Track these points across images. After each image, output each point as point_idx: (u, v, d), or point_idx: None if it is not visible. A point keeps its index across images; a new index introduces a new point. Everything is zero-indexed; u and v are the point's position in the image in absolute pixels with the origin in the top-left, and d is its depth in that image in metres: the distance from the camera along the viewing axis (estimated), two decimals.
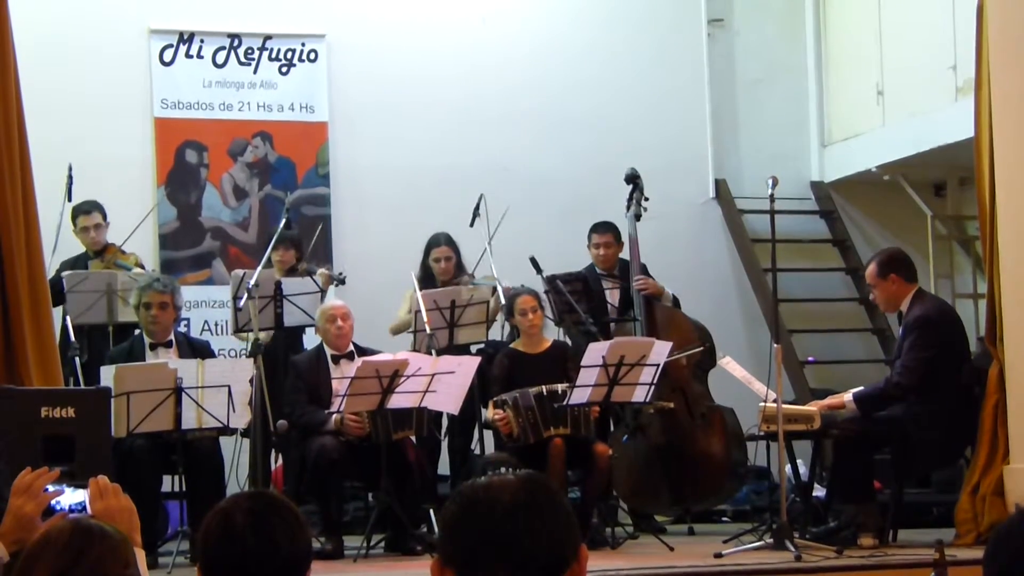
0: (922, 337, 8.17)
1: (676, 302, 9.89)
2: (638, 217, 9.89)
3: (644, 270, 9.82)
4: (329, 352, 8.79)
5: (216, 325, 10.98)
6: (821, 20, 12.58)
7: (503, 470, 2.22)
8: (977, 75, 8.50)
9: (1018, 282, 8.12)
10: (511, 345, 9.09)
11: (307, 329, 9.56)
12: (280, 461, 9.25)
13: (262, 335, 8.89)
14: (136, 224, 9.95)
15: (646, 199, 9.94)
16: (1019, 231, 8.11)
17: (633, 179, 9.98)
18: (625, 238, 9.91)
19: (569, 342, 9.37)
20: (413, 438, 8.57)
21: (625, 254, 9.94)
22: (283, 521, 2.75)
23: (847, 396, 8.32)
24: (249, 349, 8.79)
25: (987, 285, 8.55)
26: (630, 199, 9.95)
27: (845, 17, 12.39)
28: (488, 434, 8.99)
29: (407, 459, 8.36)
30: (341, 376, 8.44)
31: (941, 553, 5.60)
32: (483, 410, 8.84)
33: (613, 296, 9.89)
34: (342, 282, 9.65)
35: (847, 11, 12.39)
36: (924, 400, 8.15)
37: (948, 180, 12.39)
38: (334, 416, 8.35)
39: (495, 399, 8.63)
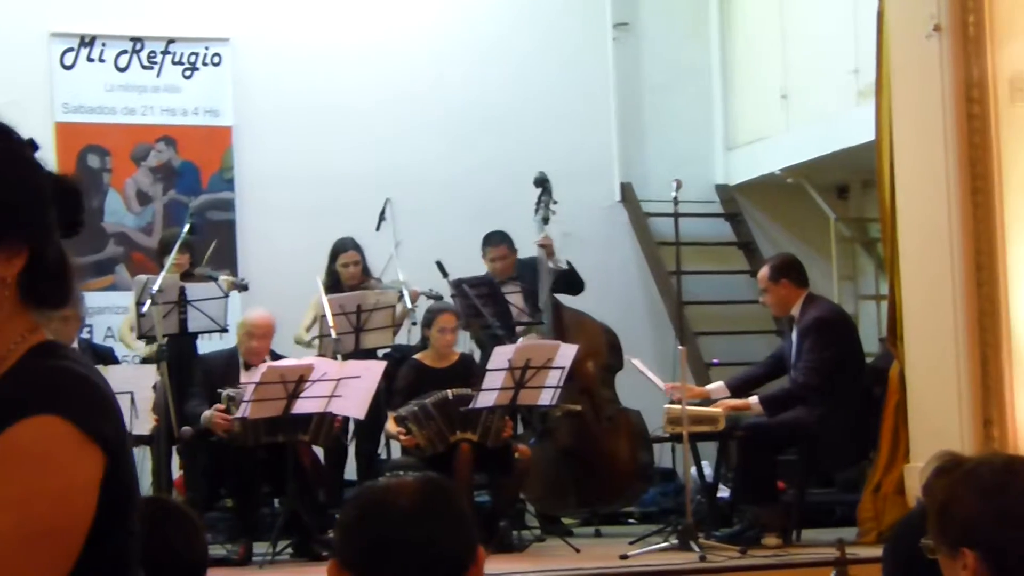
0: (822, 338, 8.30)
1: (571, 268, 9.86)
2: (546, 220, 9.88)
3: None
4: (243, 359, 8.75)
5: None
6: (725, 25, 12.66)
7: (401, 473, 2.20)
8: (877, 79, 8.60)
9: (918, 283, 8.22)
10: (416, 356, 9.00)
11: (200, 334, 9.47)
12: (181, 471, 9.12)
13: (146, 345, 8.83)
14: None
15: (555, 202, 9.94)
16: (919, 233, 8.21)
17: (542, 183, 9.97)
18: (530, 241, 9.91)
19: (475, 348, 9.36)
20: (318, 449, 8.55)
21: (523, 254, 9.92)
22: (179, 527, 2.74)
23: (752, 398, 8.40)
24: (147, 356, 8.71)
25: (888, 287, 8.66)
26: (539, 203, 9.94)
27: (748, 22, 12.47)
28: None
29: (302, 464, 8.34)
30: (249, 381, 8.39)
31: (842, 552, 5.67)
32: (389, 415, 8.81)
33: (517, 299, 9.88)
34: (245, 288, 9.59)
35: (750, 16, 12.46)
36: (827, 401, 8.25)
37: (851, 183, 12.50)
38: (204, 414, 8.31)
39: (395, 415, 8.57)
